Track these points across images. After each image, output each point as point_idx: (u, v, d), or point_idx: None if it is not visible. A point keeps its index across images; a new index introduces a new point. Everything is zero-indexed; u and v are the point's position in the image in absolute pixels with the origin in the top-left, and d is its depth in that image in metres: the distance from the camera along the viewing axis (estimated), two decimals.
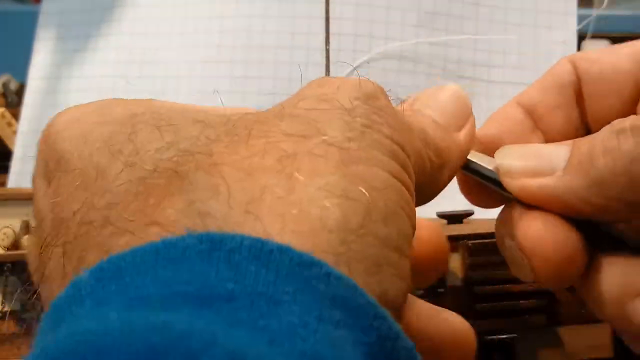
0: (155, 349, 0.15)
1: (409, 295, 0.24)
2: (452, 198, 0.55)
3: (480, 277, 0.48)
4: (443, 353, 0.28)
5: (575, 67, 0.29)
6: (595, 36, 0.61)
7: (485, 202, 0.29)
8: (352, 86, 0.24)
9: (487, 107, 0.54)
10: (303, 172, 0.20)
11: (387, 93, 0.25)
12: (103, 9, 0.58)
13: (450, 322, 0.28)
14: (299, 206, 0.19)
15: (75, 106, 0.24)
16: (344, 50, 0.52)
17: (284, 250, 0.17)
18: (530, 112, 0.30)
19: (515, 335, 0.48)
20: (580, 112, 0.29)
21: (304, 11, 0.53)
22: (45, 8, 0.60)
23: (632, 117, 0.25)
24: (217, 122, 0.22)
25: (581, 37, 0.59)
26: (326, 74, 0.49)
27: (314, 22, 0.53)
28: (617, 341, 0.49)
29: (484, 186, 0.28)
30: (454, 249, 0.48)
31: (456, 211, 0.52)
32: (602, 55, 0.29)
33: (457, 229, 0.50)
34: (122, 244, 0.19)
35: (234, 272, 0.17)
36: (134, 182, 0.20)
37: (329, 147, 0.21)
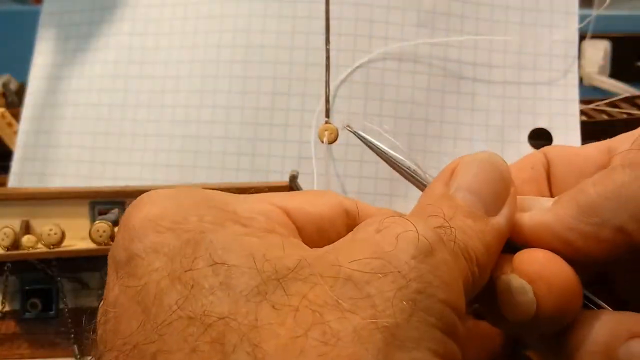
0: None
1: None
2: None
3: None
4: None
5: (546, 154, 0.30)
6: (595, 36, 0.61)
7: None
8: (411, 241, 0.23)
9: (488, 107, 0.54)
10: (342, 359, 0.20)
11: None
12: (103, 9, 0.58)
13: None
14: None
15: (160, 193, 0.25)
16: (344, 51, 0.52)
17: None
18: None
19: None
20: (549, 188, 0.30)
21: (304, 11, 0.53)
22: (46, 8, 0.60)
23: (620, 155, 0.25)
24: (273, 270, 0.22)
25: (581, 37, 0.59)
26: (326, 74, 0.49)
27: (314, 22, 0.52)
28: None
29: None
30: None
31: None
32: (572, 147, 0.30)
33: None
34: None
35: None
36: (182, 332, 0.21)
37: (374, 326, 0.21)
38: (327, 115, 0.48)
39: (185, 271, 0.22)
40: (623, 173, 0.24)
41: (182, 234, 0.23)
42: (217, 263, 0.22)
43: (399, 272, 0.22)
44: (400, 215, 0.24)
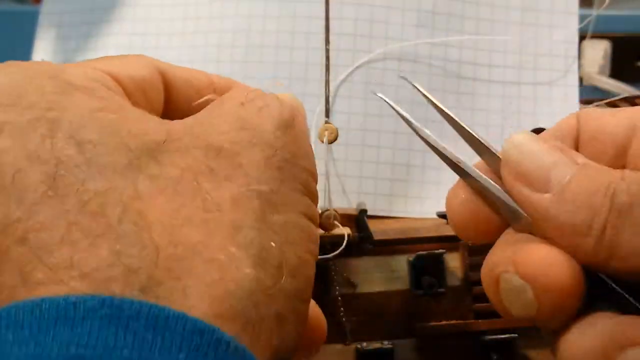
0: None
1: None
2: None
3: (480, 277, 0.48)
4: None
5: (578, 121, 0.29)
6: (595, 36, 0.61)
7: (477, 234, 0.29)
8: (274, 112, 0.24)
9: (488, 107, 0.54)
10: (224, 226, 0.21)
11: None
12: (103, 9, 0.58)
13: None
14: (219, 268, 0.20)
15: (17, 65, 0.23)
16: (344, 51, 0.52)
17: (179, 318, 0.18)
18: None
19: (515, 335, 0.48)
20: None
21: (304, 11, 0.53)
22: (45, 8, 0.60)
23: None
24: (142, 143, 0.22)
25: (581, 37, 0.59)
26: (326, 74, 0.49)
27: (313, 22, 0.52)
28: None
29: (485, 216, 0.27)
30: (453, 249, 0.48)
31: None
32: (603, 115, 0.29)
33: None
34: (39, 279, 0.19)
35: (131, 338, 0.18)
36: (56, 208, 0.20)
37: (250, 193, 0.22)
38: (327, 115, 0.48)
39: (45, 150, 0.21)
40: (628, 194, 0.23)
41: (24, 111, 0.22)
42: (82, 142, 0.21)
43: (265, 142, 0.23)
44: (254, 89, 0.26)
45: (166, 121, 0.24)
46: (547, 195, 0.24)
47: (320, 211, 0.44)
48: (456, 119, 0.30)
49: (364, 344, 0.47)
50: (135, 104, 0.25)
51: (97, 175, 0.21)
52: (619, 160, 0.27)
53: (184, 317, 0.18)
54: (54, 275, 0.19)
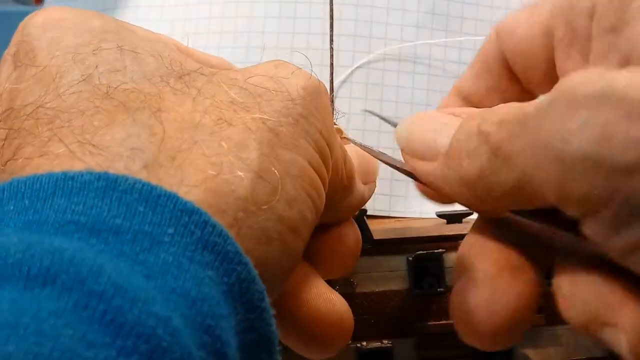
0: (48, 271, 0.16)
1: (314, 277, 0.28)
2: None
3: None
4: (324, 329, 0.29)
5: (498, 38, 0.29)
6: None
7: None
8: (303, 77, 0.26)
9: None
10: (232, 141, 0.22)
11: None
12: (103, 11, 0.58)
13: (334, 301, 0.29)
14: (218, 168, 0.21)
15: (59, 8, 0.26)
16: (344, 51, 0.52)
17: (170, 197, 0.20)
18: (468, 102, 0.31)
19: None
20: (516, 80, 0.30)
21: (304, 12, 0.53)
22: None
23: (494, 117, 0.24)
24: (178, 67, 0.24)
25: None
26: (330, 73, 0.49)
27: (314, 22, 0.53)
28: None
29: None
30: (453, 249, 0.48)
31: (456, 211, 0.52)
32: (519, 27, 0.28)
33: (456, 229, 0.50)
34: (56, 153, 0.21)
35: (124, 209, 0.19)
36: (86, 97, 0.22)
37: (262, 125, 0.23)
38: None
39: (92, 53, 0.24)
40: (485, 153, 0.24)
41: (83, 32, 0.25)
42: (126, 50, 0.24)
43: (288, 94, 0.25)
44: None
45: (208, 60, 0.28)
46: (433, 163, 0.26)
47: None
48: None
49: (364, 343, 0.47)
50: None
51: (129, 76, 0.23)
52: (553, 69, 0.28)
53: (175, 196, 0.20)
54: (70, 151, 0.21)
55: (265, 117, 0.23)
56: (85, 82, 0.23)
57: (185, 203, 0.20)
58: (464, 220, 0.52)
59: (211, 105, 0.23)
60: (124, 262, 0.18)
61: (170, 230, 0.19)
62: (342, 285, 0.47)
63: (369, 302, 0.47)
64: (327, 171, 0.26)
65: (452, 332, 0.49)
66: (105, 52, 0.24)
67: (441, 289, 0.48)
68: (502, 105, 0.24)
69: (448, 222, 0.52)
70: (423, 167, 0.27)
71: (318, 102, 0.25)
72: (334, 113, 0.49)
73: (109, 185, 0.19)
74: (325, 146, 0.25)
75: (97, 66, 0.23)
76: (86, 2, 0.59)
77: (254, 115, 0.23)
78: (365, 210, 0.50)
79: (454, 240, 0.48)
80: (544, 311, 0.48)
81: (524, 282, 0.25)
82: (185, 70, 0.24)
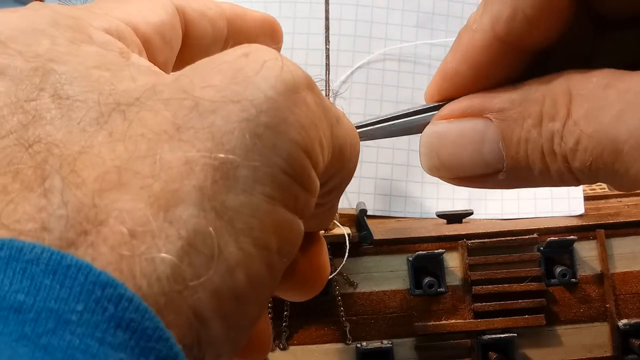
0: None
1: (318, 240, 0.26)
2: (451, 198, 0.55)
3: (480, 276, 0.48)
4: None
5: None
6: None
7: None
8: (275, 68, 0.21)
9: None
10: (162, 197, 0.19)
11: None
12: None
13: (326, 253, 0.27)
14: (138, 242, 0.19)
15: (11, 13, 0.24)
16: (344, 51, 0.52)
17: (82, 268, 0.17)
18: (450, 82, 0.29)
19: (514, 334, 0.48)
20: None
21: (304, 12, 0.53)
22: None
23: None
24: (110, 100, 0.21)
25: None
26: (326, 74, 0.49)
27: (313, 22, 0.53)
28: (616, 340, 0.49)
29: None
30: (453, 249, 0.48)
31: (455, 211, 0.52)
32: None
33: (456, 229, 0.50)
34: None
35: (27, 283, 0.17)
36: (8, 160, 0.20)
37: (208, 160, 0.19)
38: None
39: (29, 101, 0.21)
40: None
41: (31, 59, 0.22)
42: (62, 98, 0.21)
43: (250, 100, 0.20)
44: (271, 49, 0.22)
45: (159, 73, 0.23)
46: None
47: None
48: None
49: (364, 343, 0.47)
50: (152, 49, 0.25)
51: (61, 128, 0.20)
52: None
53: (87, 266, 0.17)
54: None
55: (214, 146, 0.19)
56: (17, 137, 0.20)
57: (100, 274, 0.17)
58: (463, 220, 0.53)
59: (146, 143, 0.20)
60: (24, 347, 0.16)
61: (80, 307, 0.17)
62: (343, 286, 0.47)
63: (369, 302, 0.47)
64: (310, 185, 0.21)
65: (452, 332, 0.49)
66: (44, 98, 0.21)
67: (441, 289, 0.48)
68: None
69: (448, 222, 0.52)
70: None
71: (294, 102, 0.21)
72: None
73: (12, 255, 0.17)
74: (301, 157, 0.21)
75: (33, 116, 0.20)
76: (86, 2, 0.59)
77: (200, 147, 0.19)
78: (366, 211, 0.50)
79: (454, 240, 0.48)
80: (544, 311, 0.48)
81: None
82: (129, 101, 0.21)
